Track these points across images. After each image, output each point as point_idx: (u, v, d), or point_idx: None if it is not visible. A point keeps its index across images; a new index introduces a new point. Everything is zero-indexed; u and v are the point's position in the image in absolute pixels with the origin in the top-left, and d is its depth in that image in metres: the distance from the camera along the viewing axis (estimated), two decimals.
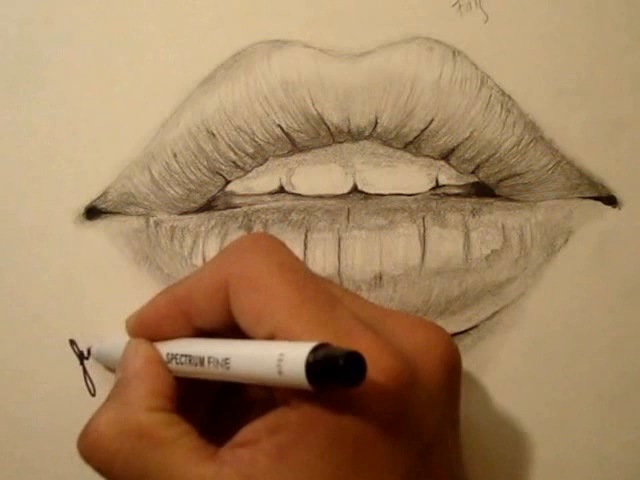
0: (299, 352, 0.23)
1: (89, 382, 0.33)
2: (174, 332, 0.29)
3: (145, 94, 0.32)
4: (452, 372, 0.28)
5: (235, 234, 0.32)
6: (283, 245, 0.28)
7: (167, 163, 0.32)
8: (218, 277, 0.27)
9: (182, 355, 0.28)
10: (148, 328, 0.29)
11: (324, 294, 0.27)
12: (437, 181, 0.33)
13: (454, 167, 0.33)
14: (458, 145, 0.32)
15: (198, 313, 0.28)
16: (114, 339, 0.31)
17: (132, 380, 0.28)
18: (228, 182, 0.33)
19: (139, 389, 0.27)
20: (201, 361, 0.27)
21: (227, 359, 0.26)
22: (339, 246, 0.32)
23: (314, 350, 0.23)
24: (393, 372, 0.25)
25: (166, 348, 0.29)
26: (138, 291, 0.32)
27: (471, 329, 0.33)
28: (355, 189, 0.33)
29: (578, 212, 0.33)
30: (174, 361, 0.28)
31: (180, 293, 0.29)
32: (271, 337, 0.25)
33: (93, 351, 0.32)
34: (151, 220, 0.33)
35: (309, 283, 0.27)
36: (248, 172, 0.33)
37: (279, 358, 0.24)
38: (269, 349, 0.24)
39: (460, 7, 0.32)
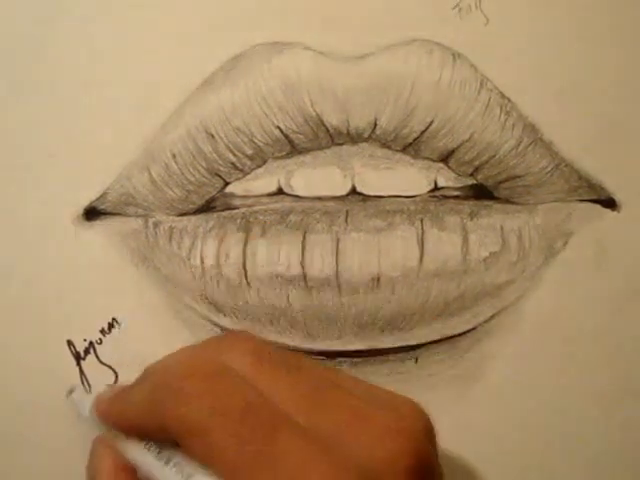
0: None
1: (86, 382, 0.33)
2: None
3: (145, 95, 0.32)
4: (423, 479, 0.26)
5: (233, 236, 0.32)
6: (216, 376, 0.27)
7: (166, 164, 0.32)
8: (156, 420, 0.27)
9: (155, 446, 0.28)
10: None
11: (264, 426, 0.25)
12: (436, 183, 0.33)
13: (453, 169, 0.33)
14: (457, 147, 0.32)
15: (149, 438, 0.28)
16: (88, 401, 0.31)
17: None
18: (227, 183, 0.33)
19: None
20: (168, 460, 0.27)
21: (191, 475, 0.26)
22: (337, 248, 0.32)
23: None
24: None
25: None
26: (136, 291, 0.33)
27: (469, 331, 0.33)
28: (354, 191, 0.33)
29: (577, 215, 0.33)
30: (145, 445, 0.28)
31: (128, 416, 0.29)
32: None
33: (74, 396, 0.32)
34: (150, 221, 0.33)
35: (246, 420, 0.26)
36: (247, 174, 0.33)
37: None
38: None
39: (460, 10, 0.32)
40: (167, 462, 0.27)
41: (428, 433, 0.27)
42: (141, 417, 0.28)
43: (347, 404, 0.27)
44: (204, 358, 0.28)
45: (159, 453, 0.28)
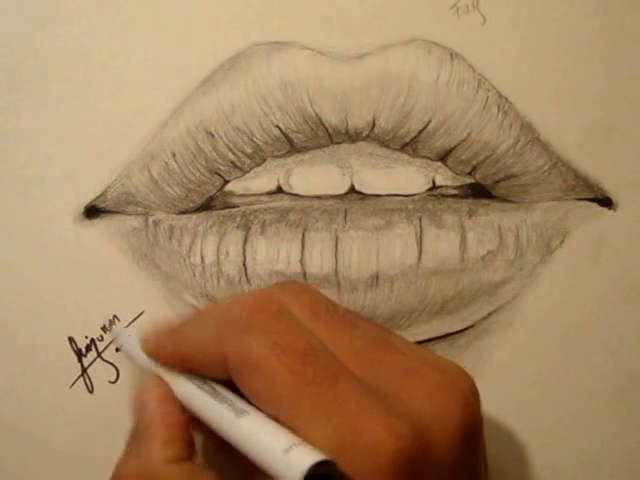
0: (301, 461, 0.23)
1: (87, 380, 0.33)
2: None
3: (145, 94, 0.32)
4: (472, 435, 0.27)
5: (233, 233, 0.32)
6: (281, 316, 0.28)
7: (166, 163, 0.32)
8: (217, 351, 0.27)
9: (206, 384, 0.28)
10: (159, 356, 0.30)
11: (325, 370, 0.26)
12: (434, 182, 0.33)
13: (451, 168, 0.33)
14: (455, 146, 0.32)
15: (203, 372, 0.28)
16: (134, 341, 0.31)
17: (146, 428, 0.28)
18: (226, 182, 0.33)
19: (154, 439, 0.28)
20: (221, 399, 0.27)
21: (245, 411, 0.26)
22: (336, 246, 0.32)
23: (317, 465, 0.23)
24: (399, 456, 0.24)
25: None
26: (136, 289, 0.33)
27: (467, 329, 0.33)
28: (352, 190, 0.33)
29: (574, 213, 0.33)
30: (195, 381, 0.28)
31: (184, 349, 0.28)
32: (277, 420, 0.25)
33: (116, 331, 0.32)
34: (150, 219, 0.33)
35: (308, 361, 0.26)
36: (246, 172, 0.33)
37: (285, 449, 0.24)
38: (279, 436, 0.25)
39: (458, 10, 0.32)
40: (220, 400, 0.27)
41: (475, 392, 0.28)
42: (200, 350, 0.28)
43: (400, 361, 0.28)
44: (270, 300, 0.28)
45: (210, 390, 0.27)
